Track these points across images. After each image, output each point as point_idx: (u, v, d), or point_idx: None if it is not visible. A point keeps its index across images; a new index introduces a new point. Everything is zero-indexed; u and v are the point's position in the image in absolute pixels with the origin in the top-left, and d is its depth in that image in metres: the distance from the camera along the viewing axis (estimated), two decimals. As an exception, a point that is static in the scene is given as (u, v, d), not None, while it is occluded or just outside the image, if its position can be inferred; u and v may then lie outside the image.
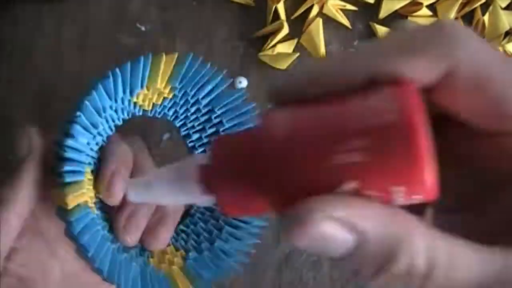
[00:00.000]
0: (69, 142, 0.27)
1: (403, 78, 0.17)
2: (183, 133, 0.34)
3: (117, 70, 0.28)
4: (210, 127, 0.33)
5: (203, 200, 0.19)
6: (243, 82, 0.44)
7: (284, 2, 0.44)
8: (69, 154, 0.27)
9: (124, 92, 0.29)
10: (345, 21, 0.45)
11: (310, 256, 0.43)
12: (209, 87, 0.32)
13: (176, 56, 0.31)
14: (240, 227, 0.33)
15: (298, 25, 0.45)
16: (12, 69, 0.45)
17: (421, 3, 0.44)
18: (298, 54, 0.44)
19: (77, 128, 0.27)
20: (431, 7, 0.45)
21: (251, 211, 0.22)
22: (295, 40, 0.45)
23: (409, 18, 0.45)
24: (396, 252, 0.16)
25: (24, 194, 0.27)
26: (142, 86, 0.30)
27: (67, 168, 0.27)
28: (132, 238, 0.30)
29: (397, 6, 0.44)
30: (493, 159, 0.18)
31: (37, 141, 0.29)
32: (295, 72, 0.18)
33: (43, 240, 0.30)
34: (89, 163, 0.29)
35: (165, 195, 0.20)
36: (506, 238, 0.17)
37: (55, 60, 0.45)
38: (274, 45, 0.44)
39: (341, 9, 0.45)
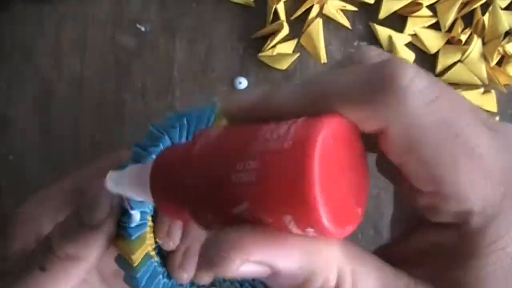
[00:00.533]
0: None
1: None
2: None
3: (184, 119, 0.28)
4: None
5: (151, 201, 0.21)
6: (243, 83, 0.44)
7: (284, 3, 0.44)
8: (136, 209, 0.26)
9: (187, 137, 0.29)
10: (345, 21, 0.45)
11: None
12: None
13: None
14: None
15: (298, 26, 0.45)
16: (12, 69, 0.45)
17: (421, 4, 0.44)
18: (298, 54, 0.44)
19: None
20: (431, 7, 0.45)
21: (180, 219, 0.23)
22: (295, 41, 0.45)
23: (409, 18, 0.45)
24: (309, 279, 0.17)
25: (98, 253, 0.27)
26: None
27: (133, 224, 0.27)
28: (189, 274, 0.31)
29: (397, 6, 0.44)
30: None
31: (117, 202, 0.27)
32: (241, 98, 0.19)
33: (100, 277, 0.31)
34: (150, 210, 0.29)
35: (127, 191, 0.22)
36: (416, 270, 0.18)
37: (55, 60, 0.45)
38: (274, 46, 0.44)
39: (341, 10, 0.45)
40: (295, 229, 0.16)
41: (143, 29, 0.45)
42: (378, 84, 0.16)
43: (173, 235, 0.30)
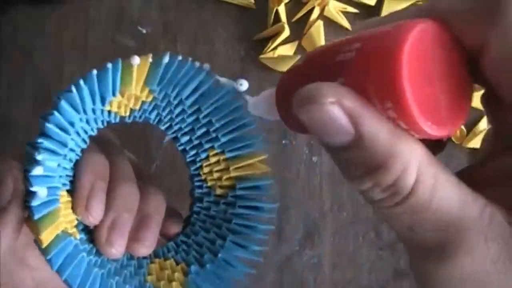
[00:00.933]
0: (35, 171, 0.25)
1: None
2: (170, 136, 0.32)
3: (81, 81, 0.26)
4: (199, 128, 0.31)
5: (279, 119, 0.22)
6: (243, 85, 0.44)
7: (285, 5, 0.44)
8: (37, 185, 0.25)
9: (93, 102, 0.27)
10: (346, 23, 0.45)
11: (310, 258, 0.43)
12: (192, 86, 0.29)
13: (149, 57, 0.28)
14: (244, 233, 0.31)
15: (299, 28, 0.45)
16: (12, 69, 0.45)
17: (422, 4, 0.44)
18: (299, 56, 0.44)
19: (42, 153, 0.26)
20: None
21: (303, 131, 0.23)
22: (296, 43, 0.45)
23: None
24: (389, 162, 0.16)
25: (9, 237, 0.26)
26: (114, 94, 0.27)
27: (36, 202, 0.25)
28: (118, 249, 0.29)
29: (398, 7, 0.44)
30: None
31: (20, 179, 0.26)
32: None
33: (11, 251, 0.28)
34: (64, 184, 0.28)
35: (264, 113, 0.24)
36: (494, 191, 0.18)
37: (55, 61, 0.45)
38: (275, 48, 0.44)
39: (342, 11, 0.45)
40: (391, 112, 0.16)
41: (143, 31, 0.45)
42: None
43: (93, 209, 0.28)
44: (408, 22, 0.16)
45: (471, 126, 0.44)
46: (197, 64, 0.30)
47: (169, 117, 0.30)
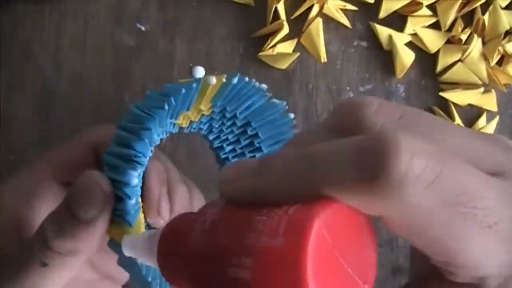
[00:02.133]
0: (133, 182, 0.26)
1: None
2: (216, 145, 0.34)
3: (172, 99, 0.27)
4: (245, 139, 0.34)
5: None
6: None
7: (284, 2, 0.44)
8: (133, 196, 0.26)
9: (171, 117, 0.29)
10: (345, 21, 0.45)
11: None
12: (248, 103, 0.32)
13: (223, 77, 0.30)
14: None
15: (298, 25, 0.45)
16: (12, 69, 0.45)
17: (421, 3, 0.44)
18: (298, 54, 0.44)
19: (139, 168, 0.26)
20: (431, 6, 0.45)
21: None
22: (295, 40, 0.45)
23: (410, 17, 0.45)
24: None
25: (97, 244, 0.27)
26: (188, 109, 0.29)
27: (131, 212, 0.26)
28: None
29: (397, 6, 0.44)
30: None
31: (110, 193, 0.26)
32: (232, 181, 0.19)
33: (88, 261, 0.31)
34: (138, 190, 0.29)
35: (140, 256, 0.22)
36: None
37: (55, 60, 0.45)
38: (274, 45, 0.44)
39: (341, 9, 0.45)
40: None
41: (143, 28, 0.45)
42: (371, 174, 0.15)
43: (164, 213, 0.30)
44: (298, 227, 0.15)
45: (471, 123, 0.44)
46: (257, 84, 0.32)
47: (219, 128, 0.33)
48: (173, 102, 0.27)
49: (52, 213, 0.27)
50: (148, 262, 0.22)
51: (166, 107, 0.26)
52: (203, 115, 0.31)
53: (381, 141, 0.15)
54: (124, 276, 0.29)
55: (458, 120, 0.44)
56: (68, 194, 0.26)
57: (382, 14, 0.44)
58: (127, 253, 0.23)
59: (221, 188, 0.19)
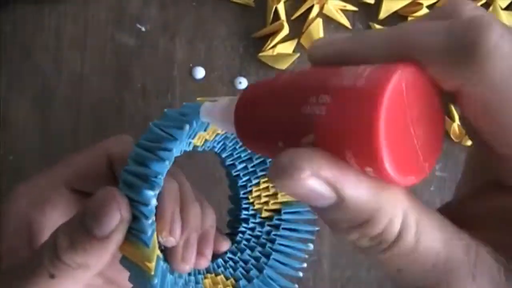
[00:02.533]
0: (153, 202, 0.26)
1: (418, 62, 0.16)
2: (228, 163, 0.34)
3: (194, 122, 0.26)
4: (257, 158, 0.34)
5: (234, 133, 0.21)
6: (243, 83, 0.44)
7: (285, 3, 0.44)
8: (149, 217, 0.26)
9: (189, 137, 0.28)
10: (345, 21, 0.45)
11: (309, 256, 0.43)
12: None
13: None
14: (286, 252, 0.34)
15: (298, 26, 0.45)
16: (12, 69, 0.45)
17: (421, 4, 0.44)
18: (298, 54, 0.44)
19: (156, 188, 0.26)
20: (431, 7, 0.45)
21: (260, 150, 0.23)
22: (295, 41, 0.45)
23: (410, 18, 0.45)
24: (374, 216, 0.17)
25: (108, 260, 0.27)
26: (205, 130, 0.29)
27: (150, 232, 0.26)
28: (191, 266, 0.31)
29: (397, 6, 0.44)
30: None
31: (128, 212, 0.26)
32: (325, 45, 0.19)
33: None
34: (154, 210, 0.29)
35: (217, 122, 0.23)
36: (478, 232, 0.18)
37: (55, 60, 0.45)
38: (274, 46, 0.44)
39: (341, 10, 0.45)
40: (355, 165, 0.16)
41: (143, 28, 0.45)
42: (462, 45, 0.16)
43: (175, 231, 0.30)
44: (380, 73, 0.16)
45: (470, 123, 0.44)
46: None
47: (233, 147, 0.33)
48: (194, 124, 0.26)
49: (65, 225, 0.27)
50: (224, 128, 0.22)
51: (187, 128, 0.26)
52: (217, 134, 0.31)
53: (477, 19, 0.16)
54: (128, 283, 0.29)
55: (458, 121, 0.44)
56: (85, 208, 0.26)
57: (382, 14, 0.44)
58: (203, 118, 0.23)
59: (311, 51, 0.19)
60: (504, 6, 0.45)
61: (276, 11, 0.44)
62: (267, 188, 0.35)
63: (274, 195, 0.35)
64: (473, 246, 0.17)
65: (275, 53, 0.44)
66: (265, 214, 0.35)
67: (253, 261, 0.34)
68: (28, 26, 0.45)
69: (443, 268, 0.17)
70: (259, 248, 0.35)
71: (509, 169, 0.17)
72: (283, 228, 0.35)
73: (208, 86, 0.45)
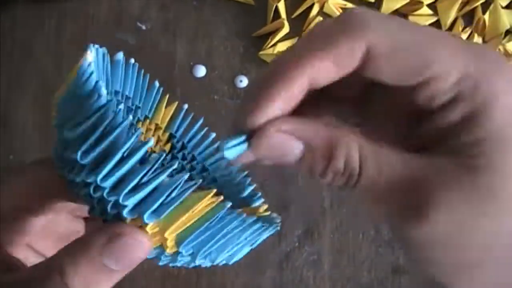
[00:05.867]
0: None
1: None
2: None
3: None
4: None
5: None
6: (243, 81, 0.44)
7: (285, 1, 0.44)
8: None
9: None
10: (345, 20, 0.45)
11: (310, 255, 0.43)
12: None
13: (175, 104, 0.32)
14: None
15: (299, 24, 0.45)
16: (13, 68, 0.45)
17: (422, 2, 0.44)
18: (298, 53, 0.44)
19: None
20: (431, 6, 0.45)
21: None
22: (296, 39, 0.45)
23: (410, 17, 0.45)
24: (334, 152, 0.20)
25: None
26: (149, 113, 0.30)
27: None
28: None
29: (398, 5, 0.44)
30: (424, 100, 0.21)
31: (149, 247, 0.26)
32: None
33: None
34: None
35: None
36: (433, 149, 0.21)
37: (55, 60, 0.45)
38: (275, 44, 0.44)
39: (342, 8, 0.45)
40: None
41: (143, 27, 0.45)
42: (353, 17, 0.20)
43: None
44: None
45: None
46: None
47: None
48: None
49: (76, 263, 0.25)
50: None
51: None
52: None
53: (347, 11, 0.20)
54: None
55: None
56: (104, 250, 0.25)
57: (383, 13, 0.44)
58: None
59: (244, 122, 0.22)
60: (504, 4, 0.45)
61: (276, 9, 0.44)
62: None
63: (158, 129, 0.33)
64: (430, 161, 0.20)
65: (275, 52, 0.44)
66: (166, 147, 0.33)
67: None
68: (28, 26, 0.45)
69: (411, 189, 0.20)
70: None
71: (429, 95, 0.20)
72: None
73: (208, 84, 0.44)
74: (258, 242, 0.29)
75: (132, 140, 0.24)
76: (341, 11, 0.44)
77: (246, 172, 0.33)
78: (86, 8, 0.45)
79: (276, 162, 0.22)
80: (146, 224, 0.24)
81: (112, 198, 0.24)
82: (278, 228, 0.29)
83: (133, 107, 0.31)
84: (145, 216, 0.24)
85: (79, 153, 0.24)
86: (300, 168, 0.21)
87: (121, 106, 0.24)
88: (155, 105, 0.31)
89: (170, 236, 0.25)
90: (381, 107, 0.23)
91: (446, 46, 0.20)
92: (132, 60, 0.31)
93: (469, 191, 0.19)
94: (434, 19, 0.45)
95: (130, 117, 0.24)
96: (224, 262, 0.28)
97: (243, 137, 0.22)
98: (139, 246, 0.25)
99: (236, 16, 0.45)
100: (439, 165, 0.20)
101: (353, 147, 0.20)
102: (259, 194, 0.32)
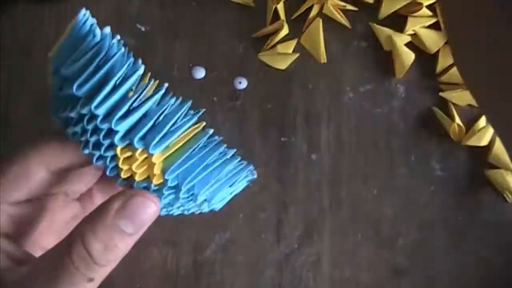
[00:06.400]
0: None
1: None
2: None
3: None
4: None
5: None
6: (243, 82, 0.44)
7: (284, 3, 0.44)
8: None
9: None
10: (345, 21, 0.45)
11: (310, 256, 0.43)
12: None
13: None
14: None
15: (298, 25, 0.45)
16: (12, 68, 0.45)
17: (421, 3, 0.44)
18: (298, 54, 0.44)
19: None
20: (431, 7, 0.45)
21: None
22: (295, 40, 0.45)
23: (410, 18, 0.45)
24: None
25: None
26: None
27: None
28: None
29: (397, 6, 0.44)
30: None
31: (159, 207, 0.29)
32: None
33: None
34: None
35: None
36: None
37: (55, 60, 0.45)
38: (274, 45, 0.44)
39: (341, 9, 0.45)
40: None
41: (142, 28, 0.45)
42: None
43: None
44: None
45: (470, 123, 0.44)
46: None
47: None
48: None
49: (92, 228, 0.27)
50: None
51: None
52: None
53: None
54: None
55: (458, 120, 0.44)
56: (117, 211, 0.27)
57: (382, 14, 0.44)
58: None
59: None
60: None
61: (276, 11, 0.44)
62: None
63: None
64: None
65: (275, 53, 0.44)
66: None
67: None
68: (28, 26, 0.45)
69: None
70: None
71: None
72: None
73: (208, 86, 0.45)
74: (237, 188, 0.30)
75: (124, 68, 0.25)
76: (340, 12, 0.44)
77: None
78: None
79: None
80: (136, 150, 0.26)
81: (105, 126, 0.26)
82: (255, 175, 0.31)
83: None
84: (135, 140, 0.26)
85: (75, 85, 0.25)
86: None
87: (115, 40, 0.26)
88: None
89: (157, 161, 0.27)
90: None
91: None
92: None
93: None
94: (433, 20, 0.45)
95: (122, 48, 0.26)
96: (206, 204, 0.29)
97: None
98: (149, 205, 0.27)
99: (235, 18, 0.45)
100: None
101: None
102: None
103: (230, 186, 0.30)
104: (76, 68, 0.27)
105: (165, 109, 0.27)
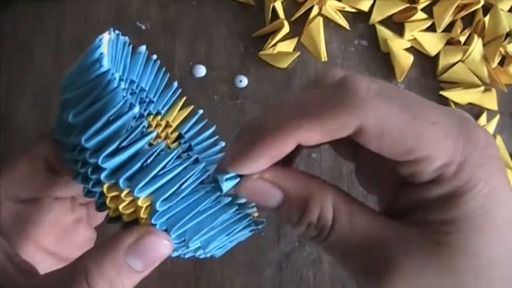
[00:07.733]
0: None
1: None
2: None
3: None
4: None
5: None
6: (243, 81, 0.44)
7: (282, 2, 0.44)
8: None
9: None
10: (343, 22, 0.45)
11: (310, 254, 0.43)
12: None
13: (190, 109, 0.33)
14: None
15: (299, 24, 0.45)
16: (12, 68, 0.45)
17: (416, 8, 0.44)
18: (298, 53, 0.44)
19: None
20: (426, 9, 0.45)
21: None
22: (296, 39, 0.45)
23: (406, 24, 0.45)
24: (309, 204, 0.22)
25: None
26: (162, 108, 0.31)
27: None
28: None
29: (390, 11, 0.44)
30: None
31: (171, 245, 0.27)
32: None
33: None
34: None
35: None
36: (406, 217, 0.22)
37: (55, 59, 0.45)
38: (275, 44, 0.44)
39: (340, 10, 0.45)
40: None
41: (143, 27, 0.45)
42: (342, 98, 0.20)
43: None
44: None
45: (471, 122, 0.44)
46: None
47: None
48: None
49: (99, 264, 0.25)
50: None
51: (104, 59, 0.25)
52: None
53: (347, 76, 0.21)
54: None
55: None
56: (128, 249, 0.25)
57: (373, 20, 0.45)
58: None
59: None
60: (506, 8, 0.45)
61: (274, 10, 0.44)
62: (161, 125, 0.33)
63: (168, 126, 0.33)
64: (401, 227, 0.21)
65: (275, 52, 0.44)
66: (173, 145, 0.33)
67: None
68: (28, 26, 0.45)
69: (378, 251, 0.21)
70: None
71: (413, 172, 0.21)
72: (194, 144, 0.34)
73: (208, 84, 0.45)
74: (237, 236, 0.28)
75: (119, 105, 0.24)
76: (339, 13, 0.44)
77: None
78: (86, 8, 0.45)
79: (259, 205, 0.23)
80: (122, 191, 0.25)
81: (93, 160, 0.25)
82: (261, 225, 0.28)
83: (146, 100, 0.31)
84: (120, 181, 0.25)
85: (71, 114, 0.25)
86: (281, 218, 0.23)
87: (116, 75, 0.25)
88: (169, 104, 0.32)
89: (144, 204, 0.25)
90: (370, 162, 0.25)
91: (435, 132, 0.21)
92: (155, 57, 0.32)
93: (431, 263, 0.20)
94: (430, 22, 0.45)
95: (122, 85, 0.25)
96: (202, 251, 0.28)
97: (235, 174, 0.23)
98: (163, 243, 0.26)
99: (236, 16, 0.45)
100: (406, 233, 0.21)
101: (327, 201, 0.22)
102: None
103: (227, 234, 0.28)
104: (75, 95, 0.25)
105: (156, 150, 0.25)
